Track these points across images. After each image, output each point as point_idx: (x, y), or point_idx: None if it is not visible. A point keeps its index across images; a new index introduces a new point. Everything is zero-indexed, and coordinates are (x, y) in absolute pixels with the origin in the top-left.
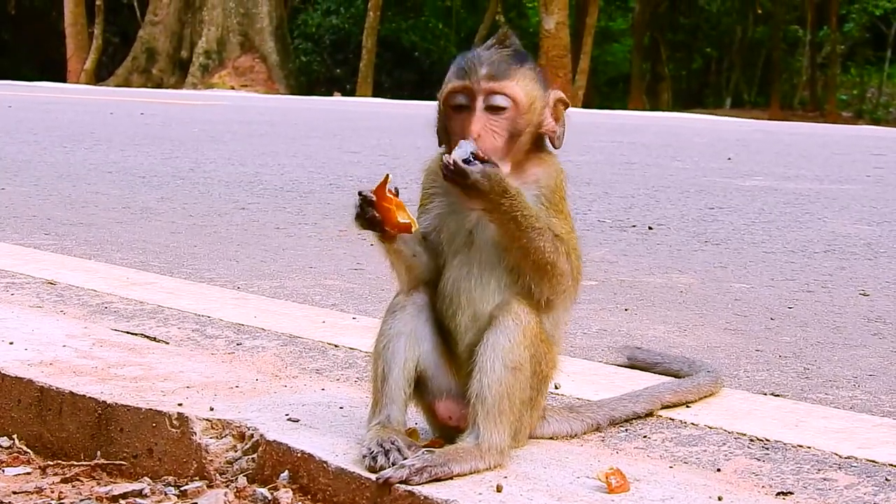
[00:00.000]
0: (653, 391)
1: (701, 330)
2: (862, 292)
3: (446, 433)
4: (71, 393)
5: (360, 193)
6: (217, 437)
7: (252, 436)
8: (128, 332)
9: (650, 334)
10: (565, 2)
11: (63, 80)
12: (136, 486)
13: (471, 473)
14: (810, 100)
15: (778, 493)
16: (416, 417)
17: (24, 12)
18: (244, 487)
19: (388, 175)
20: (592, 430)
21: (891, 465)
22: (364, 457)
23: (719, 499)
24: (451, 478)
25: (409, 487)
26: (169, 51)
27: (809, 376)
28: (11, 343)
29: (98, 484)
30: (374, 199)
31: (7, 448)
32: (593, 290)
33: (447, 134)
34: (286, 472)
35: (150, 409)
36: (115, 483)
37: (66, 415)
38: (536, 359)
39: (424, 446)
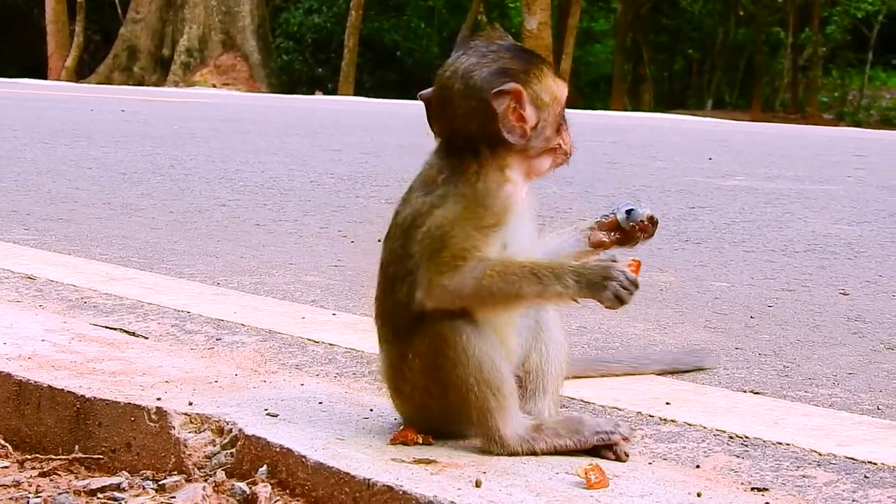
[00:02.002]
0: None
1: (681, 328)
2: (842, 291)
3: None
4: (49, 387)
5: (632, 281)
6: (196, 432)
7: (231, 430)
8: (107, 327)
9: (630, 332)
10: (547, 2)
11: (44, 77)
12: (114, 479)
13: None
14: (792, 102)
15: (754, 489)
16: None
17: (5, 10)
18: (223, 482)
19: (640, 262)
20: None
21: (870, 462)
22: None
23: (698, 495)
24: None
25: (389, 483)
26: (150, 49)
27: (789, 374)
28: None
29: (76, 478)
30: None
31: None
32: None
33: (550, 136)
34: (265, 467)
35: (129, 404)
36: (92, 477)
37: (45, 409)
38: None
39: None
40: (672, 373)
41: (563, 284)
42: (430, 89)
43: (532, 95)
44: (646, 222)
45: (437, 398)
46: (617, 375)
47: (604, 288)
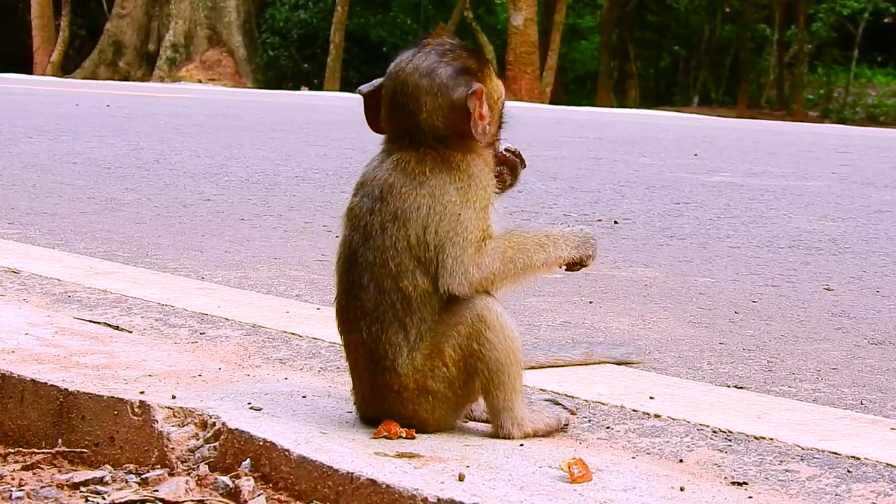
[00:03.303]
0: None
1: (665, 323)
2: (826, 287)
3: None
4: (33, 380)
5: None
6: (179, 426)
7: (214, 424)
8: (91, 321)
9: (614, 327)
10: None
11: (30, 72)
12: (97, 473)
13: None
14: (777, 99)
15: (737, 483)
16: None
17: None
18: (206, 475)
19: None
20: None
21: (853, 457)
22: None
23: (681, 489)
24: None
25: (372, 476)
26: (136, 44)
27: (773, 369)
28: None
29: (59, 471)
30: None
31: None
32: (558, 282)
33: (494, 132)
34: (248, 461)
35: (112, 397)
36: (76, 470)
37: (28, 402)
38: None
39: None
40: (599, 363)
41: (562, 249)
42: (372, 84)
43: (487, 94)
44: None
45: (461, 387)
46: (544, 367)
47: (591, 248)
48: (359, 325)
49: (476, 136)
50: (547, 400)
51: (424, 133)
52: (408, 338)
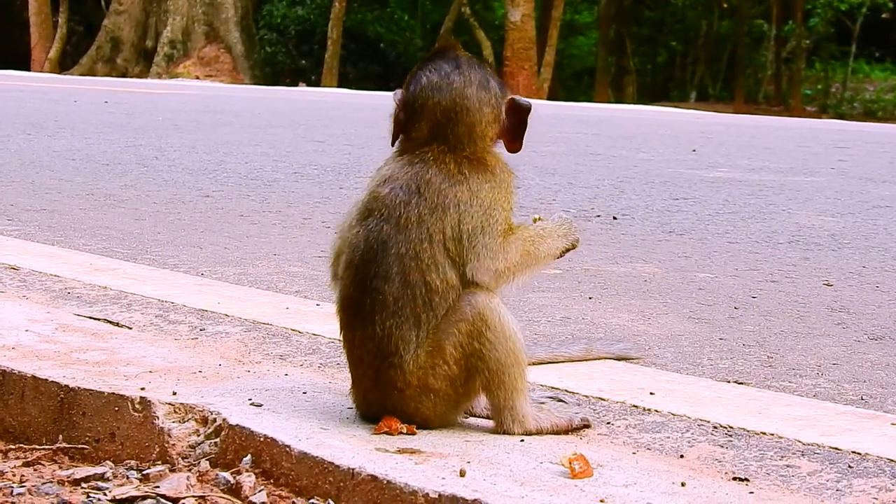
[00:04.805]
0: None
1: (665, 318)
2: (825, 282)
3: None
4: (33, 377)
5: None
6: (180, 422)
7: (215, 420)
8: (91, 318)
9: (614, 322)
10: None
11: (28, 68)
12: (98, 469)
13: None
14: (775, 94)
15: (738, 479)
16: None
17: None
18: (207, 471)
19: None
20: None
21: (854, 452)
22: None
23: (682, 484)
24: None
25: (373, 472)
26: (134, 40)
27: (773, 365)
28: None
29: (60, 467)
30: None
31: None
32: (557, 278)
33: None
34: (249, 457)
35: (113, 394)
36: (76, 467)
37: (29, 399)
38: None
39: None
40: (598, 359)
41: (557, 240)
42: (415, 89)
43: None
44: None
45: (462, 385)
46: (543, 363)
47: (577, 231)
48: (372, 320)
49: (520, 146)
50: (549, 397)
51: (475, 140)
52: (419, 334)
